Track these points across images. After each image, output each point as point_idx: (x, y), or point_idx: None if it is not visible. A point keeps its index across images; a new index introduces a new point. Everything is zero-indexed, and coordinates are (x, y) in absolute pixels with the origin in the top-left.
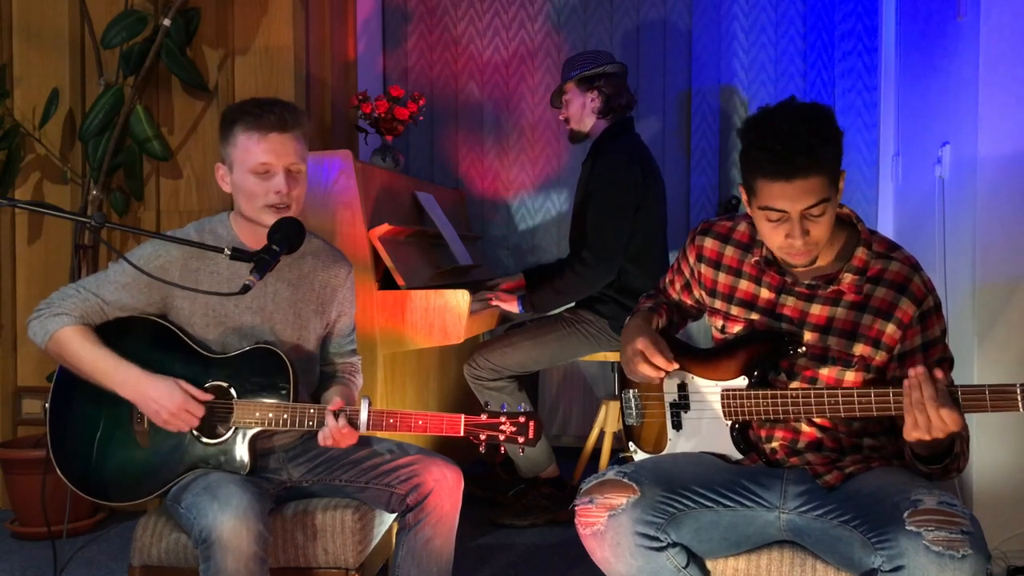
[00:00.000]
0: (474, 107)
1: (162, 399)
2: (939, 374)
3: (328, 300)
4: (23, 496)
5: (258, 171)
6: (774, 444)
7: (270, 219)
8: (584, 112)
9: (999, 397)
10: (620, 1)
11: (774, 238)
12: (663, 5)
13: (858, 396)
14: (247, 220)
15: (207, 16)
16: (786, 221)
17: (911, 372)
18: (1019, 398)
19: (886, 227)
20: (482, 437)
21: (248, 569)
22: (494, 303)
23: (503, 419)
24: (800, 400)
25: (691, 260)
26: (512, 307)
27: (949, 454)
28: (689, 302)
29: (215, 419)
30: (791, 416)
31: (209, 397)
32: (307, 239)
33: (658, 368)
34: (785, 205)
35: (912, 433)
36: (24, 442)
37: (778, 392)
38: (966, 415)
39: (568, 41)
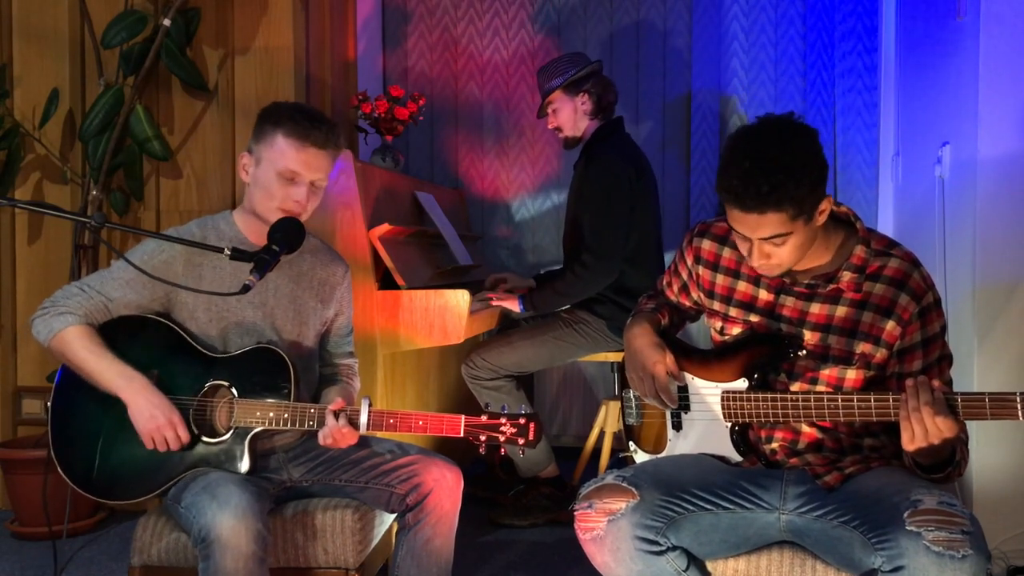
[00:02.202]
0: (474, 107)
1: (156, 408)
2: (936, 383)
3: (327, 297)
4: (23, 496)
5: (285, 175)
6: (774, 445)
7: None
8: (577, 116)
9: (999, 405)
10: (620, 1)
11: (741, 249)
12: (663, 5)
13: (858, 401)
14: (254, 216)
15: (207, 16)
16: (747, 241)
17: (908, 382)
18: (1019, 407)
19: (886, 227)
20: (482, 438)
21: (247, 568)
22: (495, 303)
23: (503, 420)
24: (800, 404)
25: (689, 262)
26: (513, 306)
27: (951, 463)
28: (687, 304)
29: (216, 418)
30: (791, 419)
31: (188, 439)
32: (307, 238)
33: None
34: (744, 231)
35: (910, 445)
36: (24, 442)
37: (778, 395)
38: (965, 422)
39: (568, 41)
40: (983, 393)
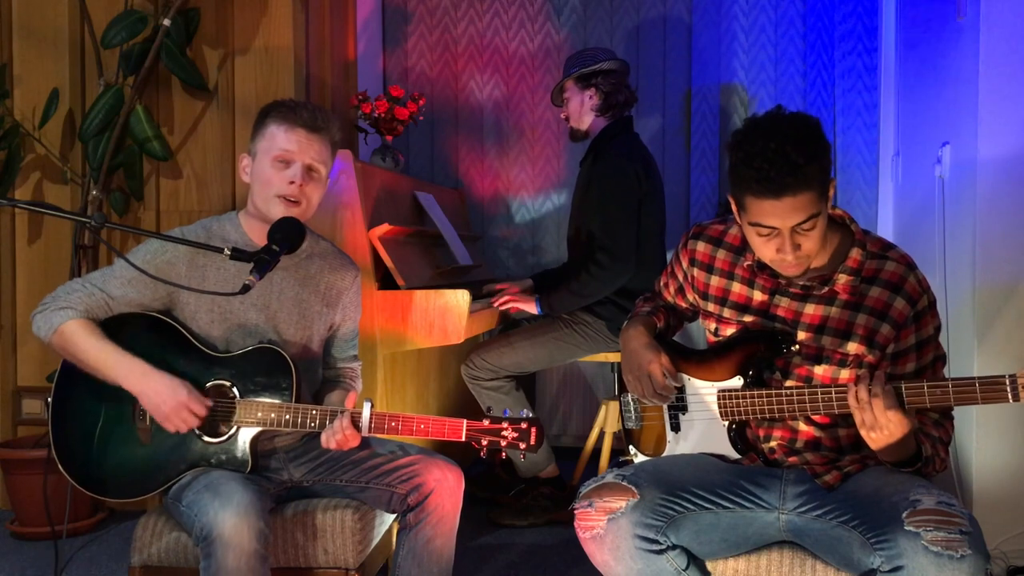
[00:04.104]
0: (474, 107)
1: (165, 394)
2: (878, 374)
3: (333, 302)
4: (23, 496)
5: (279, 158)
6: (772, 444)
7: (278, 212)
8: (582, 110)
9: (989, 388)
10: (620, 1)
11: (765, 252)
12: (663, 5)
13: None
14: (257, 216)
15: (207, 16)
16: (776, 236)
17: (857, 373)
18: (1008, 389)
19: (886, 227)
20: (484, 443)
21: (249, 566)
22: (512, 307)
23: (505, 425)
24: (795, 398)
25: (684, 264)
26: (531, 308)
27: (919, 460)
28: (683, 305)
29: (217, 418)
30: (787, 415)
31: (210, 404)
32: (316, 241)
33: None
34: (775, 222)
35: (862, 431)
36: (24, 442)
37: (773, 391)
38: (957, 410)
39: (568, 41)
40: (973, 377)
